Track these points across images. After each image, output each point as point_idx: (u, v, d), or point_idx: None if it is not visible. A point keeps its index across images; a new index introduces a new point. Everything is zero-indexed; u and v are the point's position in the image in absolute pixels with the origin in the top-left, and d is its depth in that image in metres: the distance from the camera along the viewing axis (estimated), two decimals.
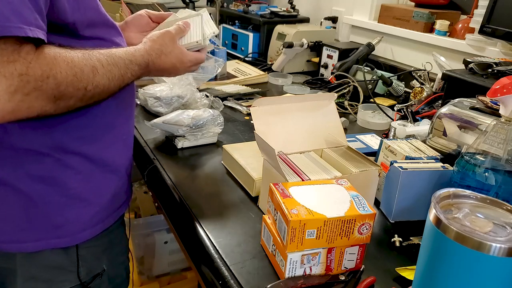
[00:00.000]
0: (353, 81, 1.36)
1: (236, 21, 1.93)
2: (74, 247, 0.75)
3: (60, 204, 0.71)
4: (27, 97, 0.53)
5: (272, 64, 1.71)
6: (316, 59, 1.70)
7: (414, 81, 1.30)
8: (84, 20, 0.65)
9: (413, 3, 1.57)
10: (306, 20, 1.88)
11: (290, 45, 1.60)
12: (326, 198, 0.61)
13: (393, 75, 1.42)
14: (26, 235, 0.71)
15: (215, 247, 0.67)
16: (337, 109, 0.88)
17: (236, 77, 1.52)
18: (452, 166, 0.71)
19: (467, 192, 0.51)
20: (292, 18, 1.83)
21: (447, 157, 0.84)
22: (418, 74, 1.29)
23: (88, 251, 0.77)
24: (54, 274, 0.75)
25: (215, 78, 1.48)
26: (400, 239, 0.70)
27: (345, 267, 0.62)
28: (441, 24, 1.39)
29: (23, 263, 0.73)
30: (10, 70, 0.51)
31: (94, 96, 0.63)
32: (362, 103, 1.30)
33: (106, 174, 0.76)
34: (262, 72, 1.58)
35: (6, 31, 0.50)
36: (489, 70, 1.02)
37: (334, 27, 1.81)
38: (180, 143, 0.99)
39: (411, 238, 0.71)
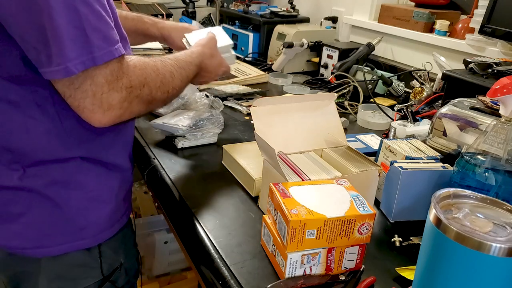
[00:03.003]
0: (353, 81, 1.36)
1: (236, 21, 1.93)
2: (96, 246, 0.78)
3: (82, 207, 0.74)
4: (131, 104, 0.64)
5: (272, 64, 1.71)
6: (316, 59, 1.70)
7: (414, 81, 1.30)
8: None
9: (413, 3, 1.57)
10: (306, 20, 1.88)
11: (290, 45, 1.60)
12: (326, 198, 0.61)
13: (393, 75, 1.42)
14: (50, 239, 0.73)
15: (215, 247, 0.67)
16: (337, 109, 0.88)
17: (236, 77, 1.52)
18: (452, 166, 0.71)
19: (467, 192, 0.51)
20: (292, 18, 1.83)
21: (447, 157, 0.84)
22: (418, 74, 1.29)
23: (108, 247, 0.80)
24: (79, 272, 0.78)
25: None
26: (400, 239, 0.70)
27: (345, 267, 0.62)
28: (441, 24, 1.39)
29: (47, 265, 0.75)
30: (120, 85, 0.62)
31: (173, 97, 0.75)
32: (362, 103, 1.30)
33: (119, 174, 0.80)
34: (262, 72, 1.58)
35: (119, 52, 0.61)
36: (489, 70, 1.02)
37: (334, 27, 1.81)
38: (180, 143, 0.99)
39: (411, 238, 0.71)
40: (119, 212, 0.81)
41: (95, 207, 0.76)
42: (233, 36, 1.90)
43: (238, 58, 1.81)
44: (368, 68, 1.38)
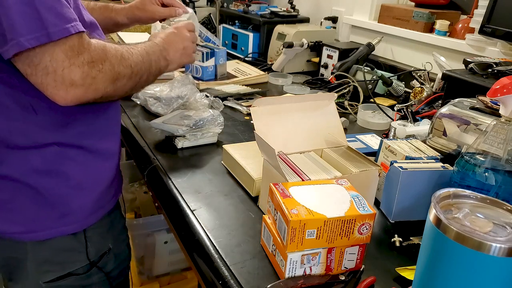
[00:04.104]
0: (353, 81, 1.36)
1: (236, 21, 1.93)
2: (82, 231, 0.81)
3: (64, 195, 0.77)
4: (94, 80, 0.65)
5: (272, 64, 1.71)
6: (316, 59, 1.70)
7: (414, 81, 1.30)
8: None
9: (413, 3, 1.57)
10: (306, 20, 1.88)
11: (290, 45, 1.60)
12: (326, 198, 0.61)
13: (393, 75, 1.42)
14: (36, 225, 0.77)
15: (215, 247, 0.67)
16: (337, 109, 0.88)
17: (236, 77, 1.52)
18: (452, 166, 0.71)
19: (467, 192, 0.51)
20: (292, 18, 1.83)
21: (447, 157, 0.84)
22: (418, 74, 1.29)
23: (94, 232, 0.83)
24: (66, 256, 0.81)
25: (215, 78, 1.48)
26: (400, 239, 0.70)
27: (345, 267, 0.62)
28: (441, 24, 1.39)
29: (34, 249, 0.78)
30: (81, 60, 0.63)
31: (138, 73, 0.75)
32: (362, 103, 1.30)
33: (102, 162, 0.82)
34: (262, 72, 1.58)
35: (76, 29, 0.63)
36: (489, 70, 1.02)
37: (334, 27, 1.81)
38: (180, 143, 0.99)
39: (411, 238, 0.71)
40: (103, 198, 0.84)
41: (77, 195, 0.79)
42: (233, 36, 1.90)
43: (238, 58, 1.82)
44: (368, 68, 1.38)
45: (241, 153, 0.89)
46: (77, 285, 0.84)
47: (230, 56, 1.83)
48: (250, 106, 1.16)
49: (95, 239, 0.84)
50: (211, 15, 2.12)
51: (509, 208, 0.49)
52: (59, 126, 0.73)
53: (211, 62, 1.44)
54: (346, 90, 1.37)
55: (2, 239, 0.79)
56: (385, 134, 1.14)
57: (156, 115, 1.14)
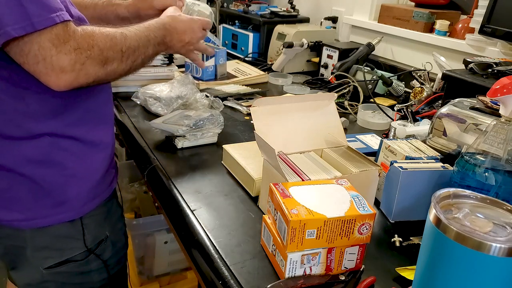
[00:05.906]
0: (353, 81, 1.36)
1: (236, 21, 1.93)
2: (79, 219, 0.84)
3: (60, 184, 0.79)
4: (84, 66, 0.68)
5: (272, 64, 1.71)
6: (316, 59, 1.70)
7: (414, 81, 1.30)
8: None
9: (413, 3, 1.57)
10: (306, 20, 1.88)
11: (290, 45, 1.60)
12: (326, 198, 0.61)
13: (393, 75, 1.42)
14: (34, 213, 0.79)
15: (215, 247, 0.67)
16: (337, 109, 0.88)
17: (236, 77, 1.52)
18: (452, 166, 0.71)
19: (467, 192, 0.51)
20: (292, 18, 1.83)
21: (447, 157, 0.84)
22: (418, 74, 1.29)
23: (91, 220, 0.86)
24: (64, 243, 0.84)
25: (215, 78, 1.48)
26: (400, 239, 0.70)
27: (345, 267, 0.62)
28: (441, 24, 1.39)
29: (33, 236, 0.81)
30: (67, 48, 0.65)
31: (132, 57, 0.77)
32: (362, 103, 1.30)
33: (96, 152, 0.84)
34: (262, 72, 1.58)
35: (61, 18, 0.65)
36: (489, 70, 1.02)
37: (334, 27, 1.81)
38: (180, 143, 0.99)
39: (411, 238, 0.71)
40: (99, 187, 0.86)
41: (73, 183, 0.81)
42: (233, 36, 1.90)
43: (238, 58, 1.82)
44: (368, 68, 1.38)
45: (241, 153, 0.89)
46: (76, 272, 0.86)
47: (230, 56, 1.83)
48: (250, 106, 1.16)
49: (92, 226, 0.86)
50: (211, 14, 2.12)
51: (509, 208, 0.49)
52: (51, 116, 0.75)
53: (211, 62, 1.45)
54: (346, 90, 1.37)
55: (1, 227, 0.81)
56: (385, 134, 1.14)
57: (156, 115, 1.14)
